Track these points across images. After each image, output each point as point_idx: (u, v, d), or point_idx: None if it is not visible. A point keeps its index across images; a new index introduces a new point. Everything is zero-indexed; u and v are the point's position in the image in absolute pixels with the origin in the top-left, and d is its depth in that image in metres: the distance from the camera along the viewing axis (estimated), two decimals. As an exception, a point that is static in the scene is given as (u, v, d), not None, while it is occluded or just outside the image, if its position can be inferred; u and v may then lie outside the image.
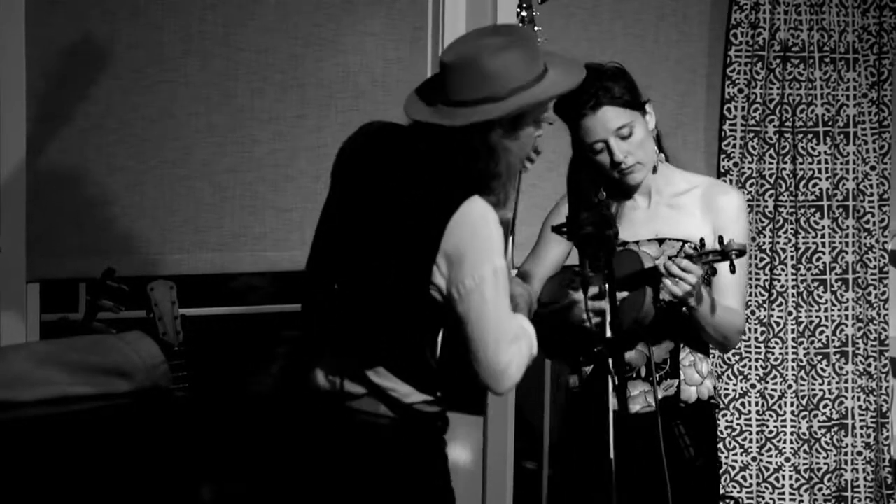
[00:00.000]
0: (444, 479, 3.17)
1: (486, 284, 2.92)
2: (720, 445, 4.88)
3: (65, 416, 2.89)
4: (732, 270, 3.33)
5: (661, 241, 3.50)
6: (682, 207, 3.53)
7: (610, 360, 3.10)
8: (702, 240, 3.40)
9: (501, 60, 2.92)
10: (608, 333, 3.07)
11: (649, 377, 3.49)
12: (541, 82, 2.97)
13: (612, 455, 3.11)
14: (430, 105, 2.99)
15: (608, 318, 3.07)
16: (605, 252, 3.08)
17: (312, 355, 3.14)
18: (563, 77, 3.02)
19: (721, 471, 4.87)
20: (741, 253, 3.30)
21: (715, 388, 3.61)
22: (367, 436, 3.07)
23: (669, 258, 3.36)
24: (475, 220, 2.93)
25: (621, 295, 3.33)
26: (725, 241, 3.31)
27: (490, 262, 2.93)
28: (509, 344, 2.96)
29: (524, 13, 3.43)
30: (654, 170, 3.51)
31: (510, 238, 3.29)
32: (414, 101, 3.04)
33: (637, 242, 3.50)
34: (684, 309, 3.40)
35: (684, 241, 3.48)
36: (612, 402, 3.25)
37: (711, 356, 3.63)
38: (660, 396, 3.48)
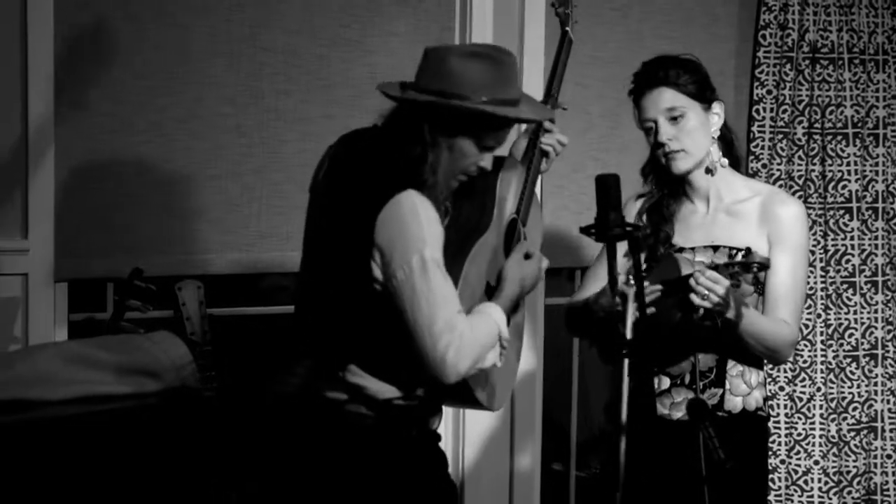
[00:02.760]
0: (435, 471, 3.19)
1: (414, 275, 2.95)
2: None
3: (92, 416, 2.89)
4: (756, 285, 3.30)
5: (715, 249, 3.47)
6: (740, 215, 3.49)
7: (626, 362, 3.08)
8: (747, 249, 3.37)
9: (465, 64, 2.99)
10: (628, 334, 3.05)
11: (693, 385, 3.47)
12: (497, 106, 3.02)
13: (622, 459, 3.08)
14: (402, 88, 3.09)
15: (629, 320, 3.06)
16: (634, 253, 3.07)
17: (304, 360, 3.20)
18: (525, 109, 3.09)
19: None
20: (763, 266, 3.28)
21: (766, 399, 3.57)
22: (354, 436, 3.10)
23: (708, 266, 3.33)
24: (404, 212, 2.96)
25: (654, 288, 3.32)
26: (752, 253, 3.29)
27: (418, 253, 2.95)
28: (444, 332, 2.95)
29: (559, 8, 3.43)
30: (709, 171, 3.48)
31: (516, 234, 3.30)
32: (392, 83, 3.13)
33: (693, 249, 3.47)
34: (718, 320, 3.37)
35: (738, 250, 3.44)
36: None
37: (766, 366, 3.59)
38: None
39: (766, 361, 3.55)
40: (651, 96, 3.43)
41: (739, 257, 3.38)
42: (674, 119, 3.42)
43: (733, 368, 3.49)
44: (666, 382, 3.49)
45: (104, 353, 2.94)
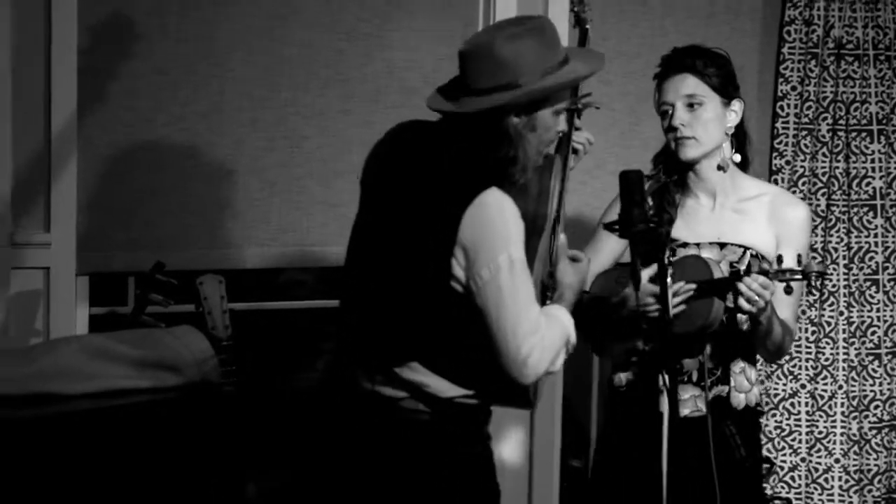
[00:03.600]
0: (488, 474, 3.16)
1: (501, 275, 2.92)
2: (769, 446, 4.85)
3: (114, 409, 2.90)
4: (789, 291, 3.31)
5: (722, 246, 3.48)
6: (747, 213, 3.51)
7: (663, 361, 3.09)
8: (779, 256, 3.37)
9: (514, 47, 2.93)
10: (660, 332, 3.06)
11: (701, 382, 3.47)
12: (558, 71, 2.97)
13: (664, 460, 3.09)
14: (451, 98, 3.01)
15: (660, 317, 3.05)
16: (658, 249, 3.07)
17: (349, 359, 3.15)
18: (580, 65, 3.03)
19: (782, 472, 4.84)
20: (822, 274, 3.29)
21: (761, 394, 3.59)
22: (409, 432, 3.07)
23: (735, 272, 3.32)
24: (490, 211, 2.93)
25: (687, 287, 3.31)
26: (804, 261, 3.28)
27: (506, 253, 2.92)
28: (529, 334, 2.94)
29: (576, 8, 3.41)
30: (720, 168, 3.49)
31: (555, 230, 3.28)
32: (434, 94, 3.06)
33: (698, 244, 3.48)
34: (746, 324, 3.37)
35: (746, 248, 3.46)
36: (664, 405, 3.26)
37: (758, 362, 3.62)
38: (710, 399, 3.46)
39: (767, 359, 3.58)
40: (674, 81, 3.46)
41: (790, 265, 3.35)
42: (691, 106, 3.45)
43: (736, 365, 3.51)
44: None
45: (125, 348, 2.94)
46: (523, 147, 2.99)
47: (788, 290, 3.31)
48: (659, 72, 3.51)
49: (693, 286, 3.32)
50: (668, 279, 3.07)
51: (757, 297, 3.27)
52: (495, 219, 2.93)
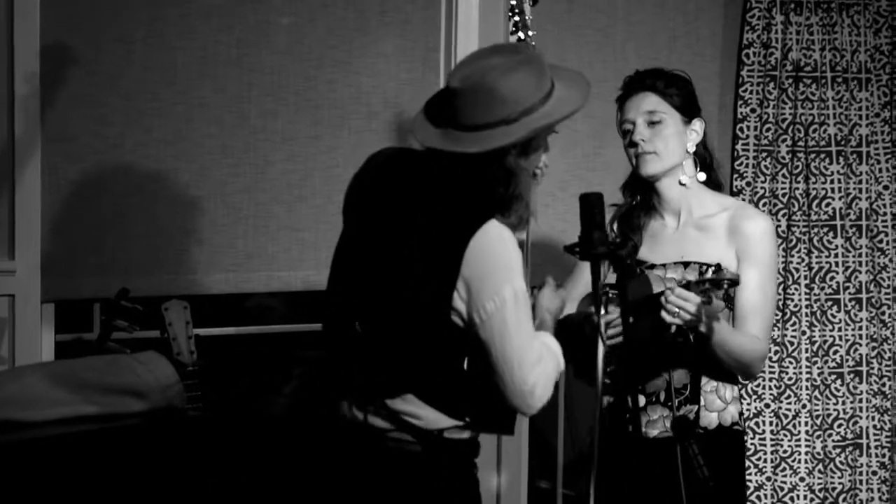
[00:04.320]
0: (475, 502, 3.16)
1: (506, 307, 2.91)
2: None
3: (79, 436, 2.90)
4: (727, 300, 3.32)
5: (686, 265, 3.49)
6: (708, 230, 3.52)
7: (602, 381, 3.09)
8: (717, 265, 3.39)
9: (512, 82, 2.91)
10: (600, 362, 3.06)
11: (668, 402, 3.48)
12: (549, 100, 2.96)
13: (592, 479, 3.09)
14: (439, 128, 2.97)
15: (616, 338, 3.08)
16: (618, 271, 3.09)
17: (338, 386, 3.13)
18: (570, 93, 3.02)
19: (748, 492, 4.84)
20: (733, 282, 3.29)
21: (741, 413, 3.58)
22: (398, 464, 3.06)
23: (668, 287, 3.34)
24: (493, 243, 2.91)
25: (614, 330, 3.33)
26: (721, 270, 3.31)
27: (510, 285, 2.91)
28: (533, 365, 2.94)
29: (517, 18, 3.45)
30: (682, 183, 3.52)
31: (525, 258, 3.29)
32: (423, 125, 3.01)
33: (664, 265, 3.50)
34: (691, 336, 3.38)
35: (707, 265, 3.47)
36: (597, 424, 3.28)
37: (748, 382, 3.60)
38: (675, 418, 3.47)
39: (739, 377, 3.57)
40: (635, 99, 3.50)
41: (710, 273, 3.40)
42: (652, 123, 3.48)
43: (707, 384, 3.50)
44: (641, 400, 3.50)
45: (90, 374, 2.94)
46: (524, 180, 2.99)
47: (707, 301, 3.31)
48: (621, 93, 3.55)
49: (619, 321, 3.31)
50: (627, 301, 3.09)
51: (677, 309, 3.26)
52: (498, 251, 2.92)
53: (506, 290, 2.90)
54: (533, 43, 3.44)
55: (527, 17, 3.47)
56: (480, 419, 3.07)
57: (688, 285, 3.30)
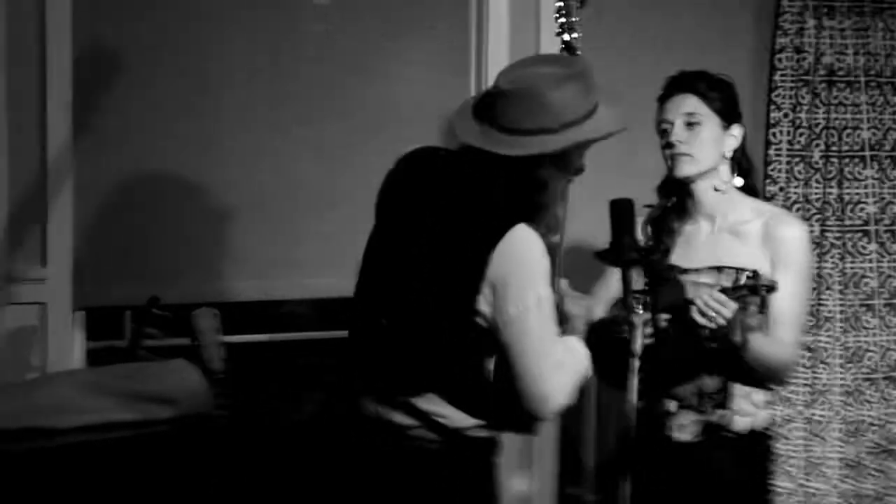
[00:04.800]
0: (493, 501, 3.17)
1: (529, 313, 2.92)
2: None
3: (108, 443, 2.91)
4: (762, 308, 3.30)
5: (720, 269, 3.48)
6: (743, 236, 3.51)
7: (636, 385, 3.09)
8: (754, 272, 3.38)
9: (561, 93, 2.93)
10: (636, 362, 3.06)
11: (701, 407, 3.47)
12: (592, 117, 2.98)
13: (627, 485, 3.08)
14: (479, 126, 2.99)
15: (638, 346, 3.06)
16: (651, 277, 3.08)
17: (360, 386, 3.14)
18: (611, 113, 3.04)
19: (779, 498, 4.82)
20: (771, 289, 3.28)
21: (773, 419, 3.56)
22: (418, 461, 3.07)
23: (707, 292, 3.33)
24: (520, 248, 2.92)
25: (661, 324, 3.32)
26: (759, 277, 3.29)
27: (534, 291, 2.92)
28: (552, 371, 2.95)
29: (563, 19, 3.43)
30: (717, 189, 3.50)
31: (557, 262, 3.28)
32: (465, 118, 3.02)
33: (697, 270, 3.48)
34: (726, 342, 3.37)
35: (742, 270, 3.43)
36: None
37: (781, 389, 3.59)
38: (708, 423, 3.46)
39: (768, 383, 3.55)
40: (676, 100, 3.50)
41: (745, 279, 3.38)
42: (690, 125, 3.48)
43: (739, 389, 3.49)
44: (673, 405, 3.49)
45: (119, 382, 2.96)
46: (555, 191, 3.02)
47: (744, 307, 3.29)
48: (662, 93, 3.55)
49: (667, 316, 3.32)
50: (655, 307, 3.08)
51: (713, 313, 3.26)
52: (524, 256, 2.93)
53: (529, 296, 2.92)
54: (579, 45, 3.42)
55: (573, 19, 3.45)
56: (502, 419, 3.08)
57: (724, 291, 3.28)
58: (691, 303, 3.30)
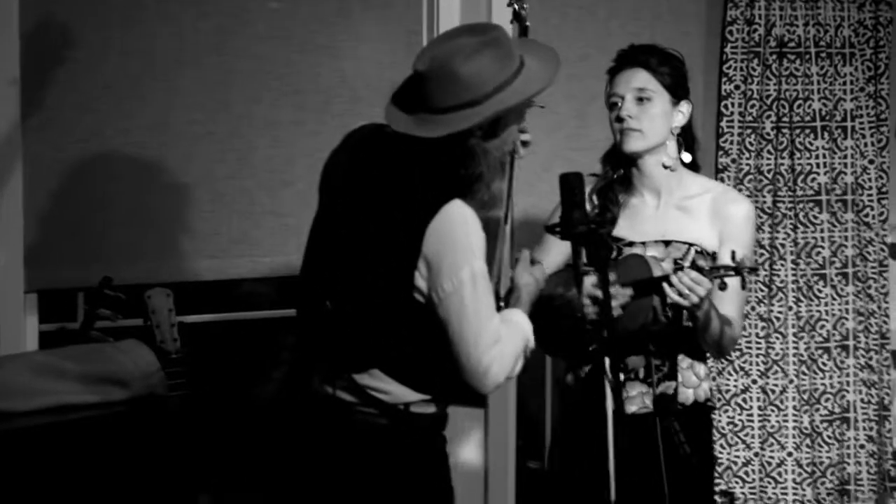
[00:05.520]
0: (444, 478, 3.20)
1: (464, 288, 2.95)
2: (722, 441, 4.88)
3: (62, 425, 2.90)
4: (744, 286, 3.34)
5: (667, 243, 3.51)
6: (690, 211, 3.54)
7: (606, 360, 3.12)
8: (714, 253, 3.40)
9: (476, 64, 2.93)
10: (604, 333, 3.09)
11: (647, 379, 3.50)
12: (517, 78, 2.98)
13: (611, 455, 3.12)
14: (411, 113, 3.00)
15: (602, 317, 3.08)
16: (599, 250, 3.09)
17: (309, 364, 3.17)
18: (538, 72, 3.04)
19: (723, 468, 4.87)
20: (753, 270, 3.32)
21: (711, 390, 3.61)
22: (366, 438, 3.10)
23: (679, 270, 3.35)
24: (454, 223, 2.94)
25: (624, 298, 3.34)
26: (738, 258, 3.31)
27: (468, 266, 2.94)
28: (489, 346, 2.98)
29: (515, 5, 3.43)
30: (666, 167, 3.52)
31: (505, 236, 3.29)
32: (394, 114, 3.03)
33: (644, 243, 3.50)
34: (687, 319, 3.41)
35: (690, 245, 3.49)
36: (610, 403, 3.27)
37: (709, 359, 3.64)
38: (656, 395, 3.49)
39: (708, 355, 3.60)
40: (626, 74, 3.50)
41: (693, 253, 3.40)
42: (640, 100, 3.48)
43: (683, 361, 3.54)
44: (620, 377, 3.52)
45: (72, 363, 2.94)
46: (487, 162, 3.01)
47: (723, 287, 3.34)
48: (612, 66, 3.55)
49: (630, 291, 3.35)
50: (610, 281, 3.09)
51: (688, 292, 3.29)
52: (458, 231, 2.95)
53: (464, 272, 2.94)
54: (526, 13, 3.41)
55: (524, 5, 3.45)
56: (447, 393, 3.11)
57: (701, 270, 3.31)
58: (661, 279, 3.32)
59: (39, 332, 4.15)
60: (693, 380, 3.54)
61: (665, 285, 3.33)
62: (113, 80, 4.17)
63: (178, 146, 4.26)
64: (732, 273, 3.31)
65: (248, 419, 4.78)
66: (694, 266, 3.34)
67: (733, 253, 3.34)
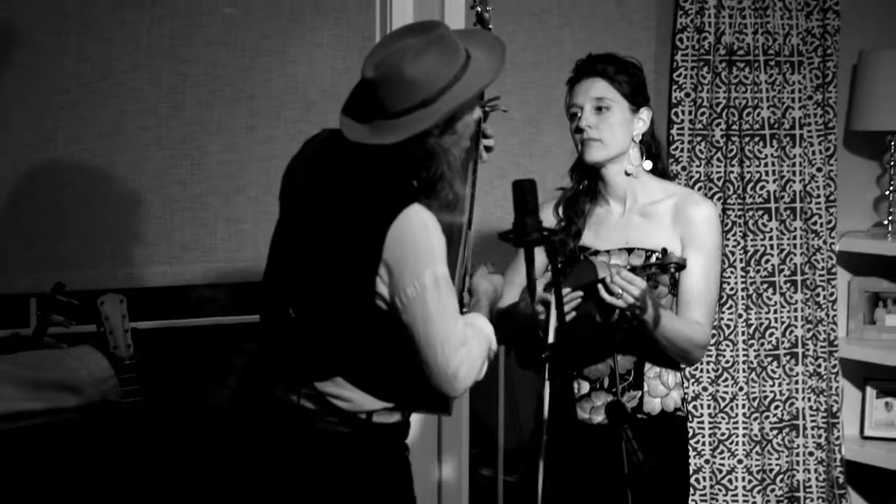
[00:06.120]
0: (407, 488, 3.19)
1: (427, 293, 2.93)
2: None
3: (13, 432, 2.89)
4: (672, 286, 3.34)
5: (630, 251, 3.51)
6: (653, 217, 3.54)
7: (547, 366, 3.13)
8: (663, 250, 3.41)
9: (423, 64, 2.92)
10: (551, 338, 3.10)
11: (612, 388, 3.50)
12: (466, 72, 2.97)
13: (540, 464, 3.12)
14: (365, 122, 2.98)
15: (552, 324, 3.09)
16: (552, 258, 3.10)
17: (272, 373, 3.15)
18: (486, 63, 3.03)
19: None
20: (680, 266, 3.31)
21: (683, 399, 3.60)
22: (327, 447, 3.08)
23: (615, 270, 3.36)
24: (414, 228, 2.93)
25: (574, 295, 3.35)
26: (668, 254, 3.33)
27: (430, 270, 2.94)
28: (457, 349, 2.96)
29: (478, 8, 3.43)
30: (628, 173, 3.53)
31: (468, 242, 3.30)
32: (349, 125, 3.01)
33: (608, 251, 3.51)
34: (635, 321, 3.40)
35: (652, 251, 3.48)
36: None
37: (686, 367, 3.63)
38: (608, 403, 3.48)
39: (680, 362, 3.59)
40: (585, 84, 3.51)
41: (655, 258, 3.42)
42: (599, 109, 3.49)
43: (650, 370, 3.52)
44: (585, 387, 3.53)
45: (24, 370, 2.92)
46: (447, 159, 3.00)
47: (654, 286, 3.33)
48: (571, 76, 3.56)
49: (580, 294, 3.36)
50: (561, 286, 3.10)
51: (620, 291, 3.29)
52: (419, 236, 2.94)
53: (426, 276, 2.93)
54: (489, 16, 3.41)
55: (488, 8, 3.46)
56: (412, 400, 3.10)
57: (633, 269, 3.32)
58: (599, 282, 3.34)
59: (-8, 338, 4.13)
60: (660, 389, 3.53)
61: (600, 286, 3.33)
62: (67, 86, 4.15)
63: (130, 152, 4.24)
64: (660, 270, 3.32)
65: (202, 426, 4.77)
66: (631, 268, 3.36)
67: (663, 250, 3.35)
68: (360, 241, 2.95)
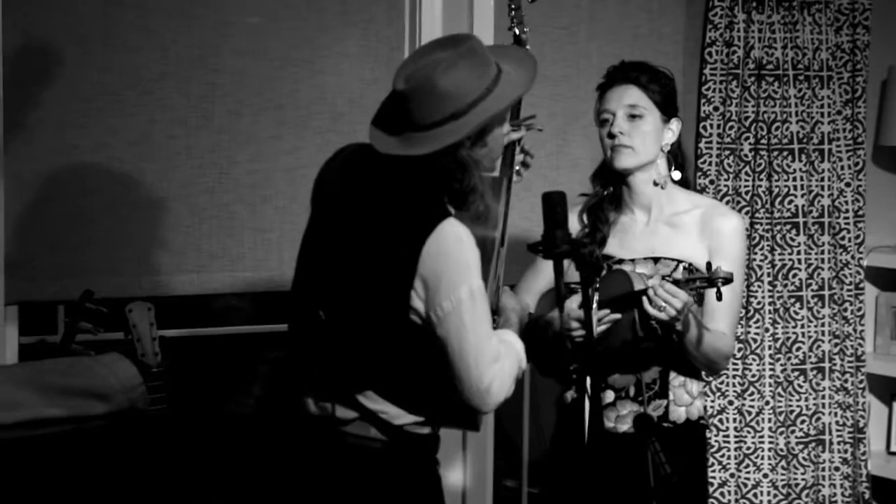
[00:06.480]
0: (438, 501, 3.18)
1: (462, 307, 2.93)
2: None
3: (41, 439, 2.89)
4: (719, 298, 3.34)
5: (656, 260, 3.50)
6: (680, 227, 3.53)
7: (587, 379, 3.12)
8: (690, 265, 3.40)
9: (454, 76, 2.91)
10: (582, 351, 3.09)
11: (638, 397, 3.50)
12: (498, 85, 2.97)
13: (589, 476, 3.12)
14: (396, 134, 2.97)
15: (584, 336, 3.09)
16: (582, 269, 3.10)
17: (301, 381, 3.14)
18: (517, 76, 3.03)
19: (712, 488, 4.86)
20: (727, 280, 3.30)
21: (706, 408, 3.60)
22: (358, 459, 3.07)
23: (660, 282, 3.36)
24: (450, 242, 2.93)
25: (612, 316, 3.35)
26: (714, 268, 3.32)
27: (466, 284, 2.93)
28: (490, 364, 2.96)
29: (516, 29, 3.43)
30: (656, 184, 3.52)
31: (501, 257, 3.29)
32: (378, 137, 3.00)
33: (633, 260, 3.50)
34: (673, 334, 3.40)
35: (679, 261, 3.48)
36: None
37: (711, 379, 3.62)
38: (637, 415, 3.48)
39: (704, 372, 3.59)
40: (617, 90, 3.50)
41: (684, 269, 3.41)
42: (632, 117, 3.48)
43: (675, 379, 3.52)
44: (610, 396, 3.52)
45: (52, 377, 2.93)
46: (479, 171, 2.99)
47: (699, 301, 3.33)
48: (603, 82, 3.55)
49: (617, 316, 3.35)
50: (594, 301, 3.09)
51: (663, 304, 3.29)
52: (454, 250, 2.93)
53: (462, 290, 2.92)
54: (526, 37, 3.42)
55: (522, 14, 3.46)
56: (443, 414, 3.09)
57: (677, 282, 3.31)
58: (641, 293, 3.33)
59: (19, 344, 4.14)
60: (685, 398, 3.53)
61: (644, 299, 3.32)
62: (93, 94, 4.17)
63: (158, 161, 4.25)
64: (707, 284, 3.31)
65: (227, 434, 4.78)
66: (673, 280, 3.35)
67: (708, 264, 3.35)
68: (394, 256, 2.95)
